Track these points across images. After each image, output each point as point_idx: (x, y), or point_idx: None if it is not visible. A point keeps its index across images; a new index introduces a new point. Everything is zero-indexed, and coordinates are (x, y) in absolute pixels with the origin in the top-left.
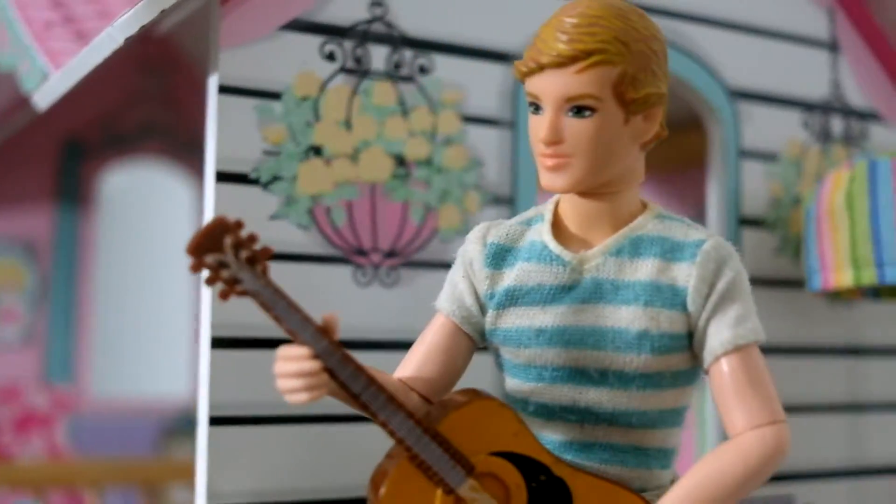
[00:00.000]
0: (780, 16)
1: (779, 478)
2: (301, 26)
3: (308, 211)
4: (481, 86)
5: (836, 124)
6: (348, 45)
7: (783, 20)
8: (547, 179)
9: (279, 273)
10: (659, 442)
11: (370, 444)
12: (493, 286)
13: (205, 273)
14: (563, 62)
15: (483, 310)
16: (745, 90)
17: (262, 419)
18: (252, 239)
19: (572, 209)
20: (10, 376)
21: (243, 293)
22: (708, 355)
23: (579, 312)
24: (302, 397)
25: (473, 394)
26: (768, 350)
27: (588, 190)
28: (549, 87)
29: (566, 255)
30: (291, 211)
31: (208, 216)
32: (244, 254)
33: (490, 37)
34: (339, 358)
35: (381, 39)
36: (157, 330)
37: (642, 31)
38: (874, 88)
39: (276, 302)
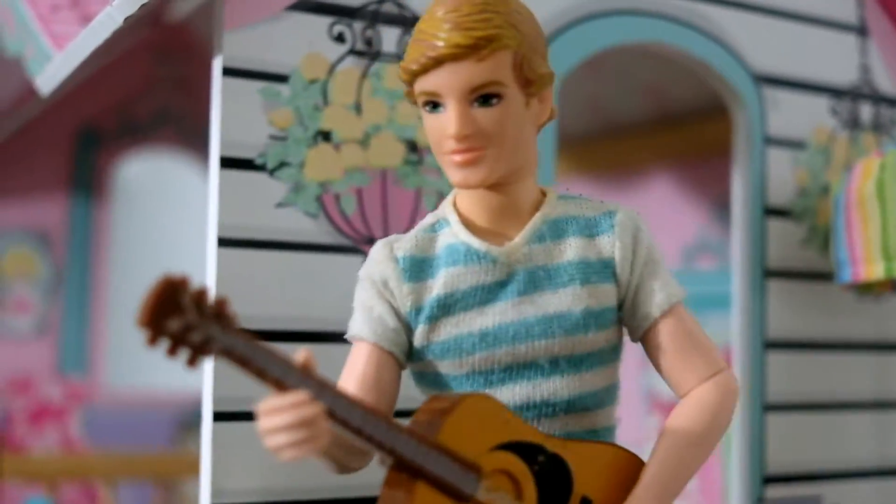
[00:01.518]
0: None
1: (806, 477)
2: (309, 6)
3: (316, 198)
4: None
5: (866, 111)
6: (358, 25)
7: (810, 3)
8: (461, 176)
9: (286, 264)
10: (607, 420)
11: None
12: (419, 300)
13: (164, 343)
14: (463, 53)
15: (408, 329)
16: (772, 75)
17: None
18: (203, 291)
19: (479, 205)
20: (24, 368)
21: (219, 353)
22: (643, 321)
23: (519, 305)
24: (308, 448)
25: (456, 395)
26: (797, 345)
27: (497, 181)
28: (452, 79)
29: (493, 250)
30: (299, 198)
31: (214, 203)
32: (208, 309)
33: None
34: (332, 395)
35: (392, 20)
36: None
37: (524, 12)
38: None
39: (254, 352)
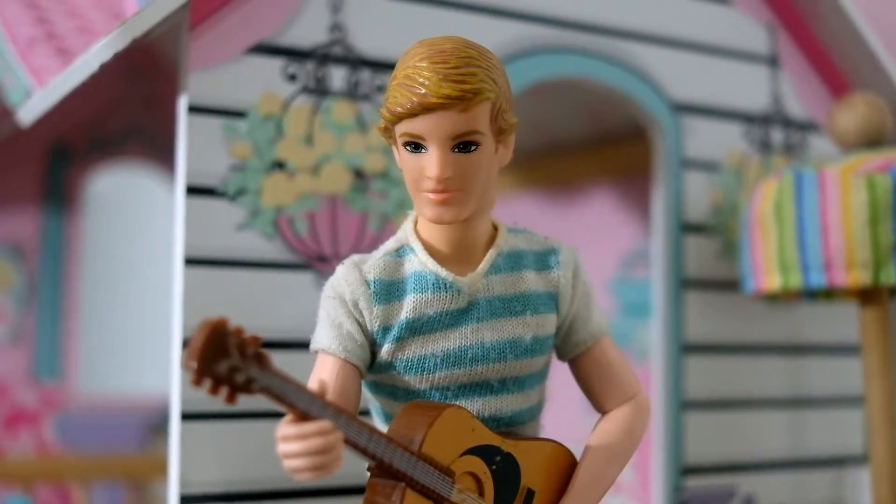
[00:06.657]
0: (721, 32)
1: (722, 469)
2: (265, 49)
3: (272, 221)
4: None
5: (777, 135)
6: (309, 66)
7: (724, 36)
8: (436, 213)
9: (246, 280)
10: (534, 431)
11: None
12: (388, 321)
13: (206, 382)
14: (450, 104)
15: (373, 346)
16: (688, 104)
17: (233, 414)
18: (241, 331)
19: (442, 236)
20: None
21: (258, 391)
22: (575, 347)
23: (478, 331)
24: (326, 472)
25: (437, 407)
26: (713, 349)
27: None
28: (437, 126)
29: (459, 281)
30: (257, 221)
31: (180, 227)
32: (250, 351)
33: None
34: (346, 420)
35: (339, 61)
36: (141, 328)
37: (498, 65)
38: (814, 100)
39: (286, 389)
